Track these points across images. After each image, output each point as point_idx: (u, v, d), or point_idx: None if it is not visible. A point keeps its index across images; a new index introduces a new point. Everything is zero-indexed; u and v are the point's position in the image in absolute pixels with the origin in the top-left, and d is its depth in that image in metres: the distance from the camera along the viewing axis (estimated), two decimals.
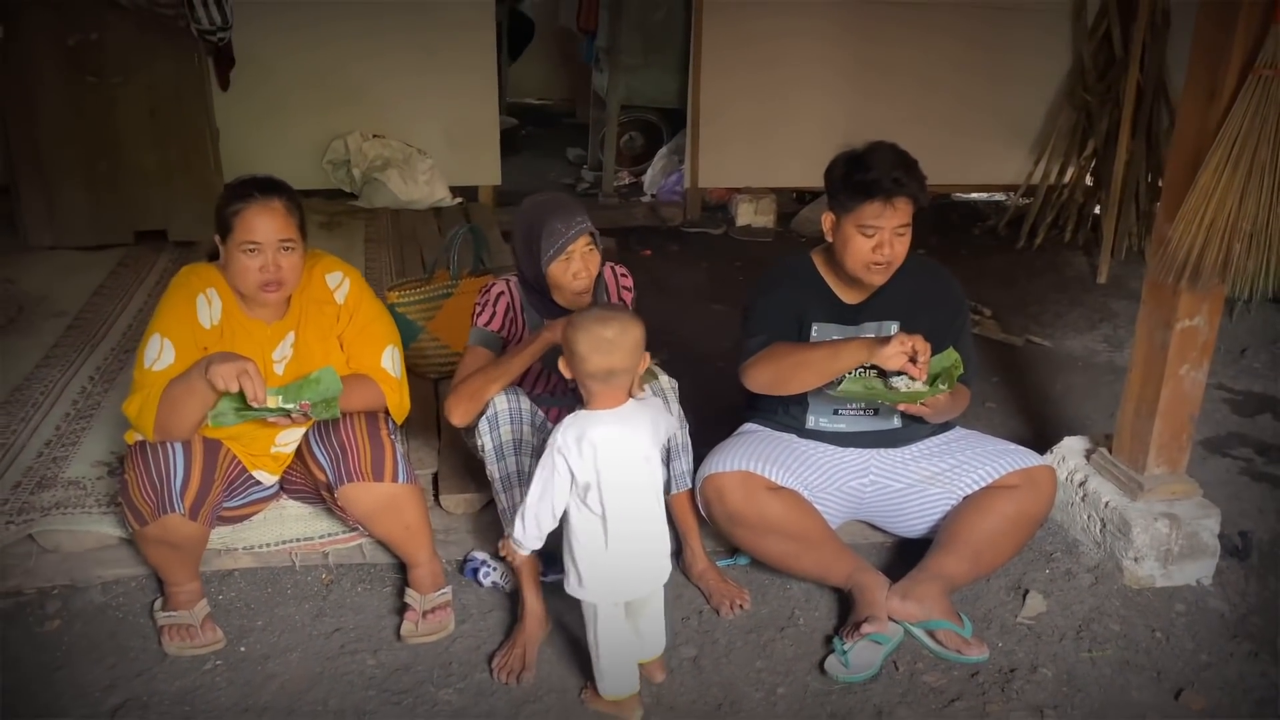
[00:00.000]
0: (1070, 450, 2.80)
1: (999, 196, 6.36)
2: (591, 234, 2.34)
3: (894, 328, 2.46)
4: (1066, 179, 5.74)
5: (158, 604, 2.29)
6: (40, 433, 2.85)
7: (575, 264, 2.32)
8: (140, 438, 2.17)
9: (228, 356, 2.03)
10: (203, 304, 2.21)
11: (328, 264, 2.36)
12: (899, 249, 2.35)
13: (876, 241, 2.32)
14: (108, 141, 4.50)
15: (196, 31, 4.37)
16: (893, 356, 2.23)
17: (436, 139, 5.59)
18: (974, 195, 6.48)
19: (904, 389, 2.27)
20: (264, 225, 2.15)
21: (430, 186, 5.41)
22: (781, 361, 2.39)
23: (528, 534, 1.99)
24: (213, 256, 2.31)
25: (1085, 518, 2.65)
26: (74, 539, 2.41)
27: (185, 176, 4.63)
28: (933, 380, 2.28)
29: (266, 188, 2.17)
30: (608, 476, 1.91)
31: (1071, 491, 2.70)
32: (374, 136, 5.47)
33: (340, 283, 2.35)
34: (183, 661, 2.18)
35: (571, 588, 2.00)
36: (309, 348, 2.29)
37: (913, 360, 2.23)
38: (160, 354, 2.13)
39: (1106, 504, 2.58)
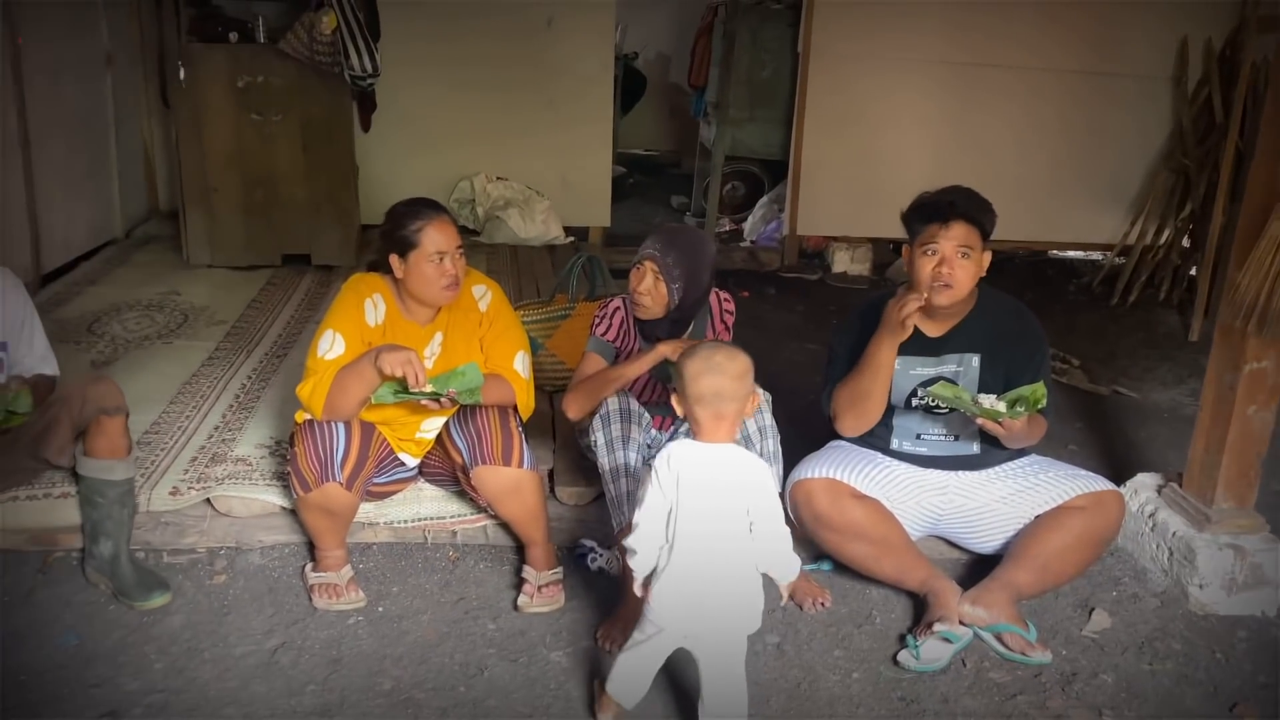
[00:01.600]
0: (1143, 485, 2.96)
1: (1095, 255, 6.46)
2: (656, 261, 2.62)
3: (975, 361, 2.69)
4: (1163, 240, 5.83)
5: (308, 566, 2.64)
6: (209, 419, 3.26)
7: (642, 276, 2.65)
8: (309, 417, 2.52)
9: (395, 348, 2.37)
10: (370, 306, 2.57)
11: (474, 278, 2.72)
12: (959, 272, 2.56)
13: (937, 259, 2.56)
14: (264, 173, 5.02)
15: (349, 78, 4.87)
16: (905, 311, 2.52)
17: (554, 183, 6.01)
18: (1070, 253, 6.60)
19: (986, 405, 2.49)
20: (445, 236, 2.51)
21: (546, 225, 5.82)
22: (853, 406, 2.67)
23: (640, 547, 2.00)
24: (373, 268, 2.68)
25: (1154, 547, 2.80)
26: (244, 505, 2.78)
27: (330, 207, 5.14)
28: (1011, 404, 2.50)
29: (434, 205, 2.54)
30: (686, 505, 1.93)
31: (1142, 522, 2.86)
32: (497, 179, 5.93)
33: (484, 294, 2.70)
34: (330, 615, 2.51)
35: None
36: (454, 347, 2.63)
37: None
38: (332, 346, 2.49)
39: (1174, 534, 2.73)
